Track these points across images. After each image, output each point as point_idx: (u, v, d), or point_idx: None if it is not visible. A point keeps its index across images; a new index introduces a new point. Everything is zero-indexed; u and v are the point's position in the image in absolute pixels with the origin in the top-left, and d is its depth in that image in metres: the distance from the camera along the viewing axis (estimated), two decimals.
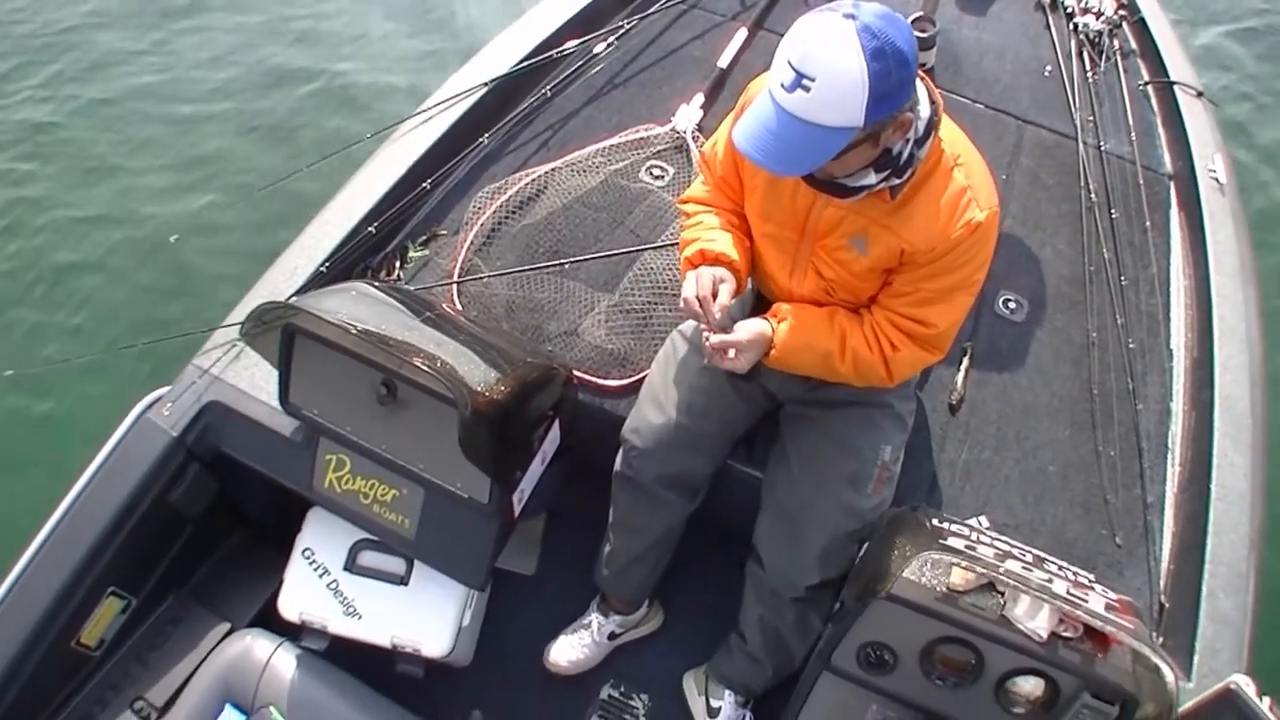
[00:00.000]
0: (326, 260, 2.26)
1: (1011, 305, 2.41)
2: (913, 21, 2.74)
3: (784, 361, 1.74)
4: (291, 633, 1.96)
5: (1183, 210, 2.64)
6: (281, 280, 2.24)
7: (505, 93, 2.69)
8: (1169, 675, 1.50)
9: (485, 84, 2.64)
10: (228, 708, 1.79)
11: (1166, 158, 2.78)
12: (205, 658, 1.90)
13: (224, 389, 2.09)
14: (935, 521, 1.76)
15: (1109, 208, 2.59)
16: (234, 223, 3.70)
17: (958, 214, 1.58)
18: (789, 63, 1.38)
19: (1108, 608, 1.55)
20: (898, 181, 1.56)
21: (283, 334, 1.86)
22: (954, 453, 2.17)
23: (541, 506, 2.26)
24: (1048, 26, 3.07)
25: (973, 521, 1.89)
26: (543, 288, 2.33)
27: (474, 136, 2.56)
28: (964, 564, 1.57)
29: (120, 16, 4.85)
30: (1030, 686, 1.60)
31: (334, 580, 2.04)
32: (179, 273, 3.67)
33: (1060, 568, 1.69)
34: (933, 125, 1.55)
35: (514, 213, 2.47)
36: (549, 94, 2.70)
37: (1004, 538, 1.77)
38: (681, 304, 1.73)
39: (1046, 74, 2.96)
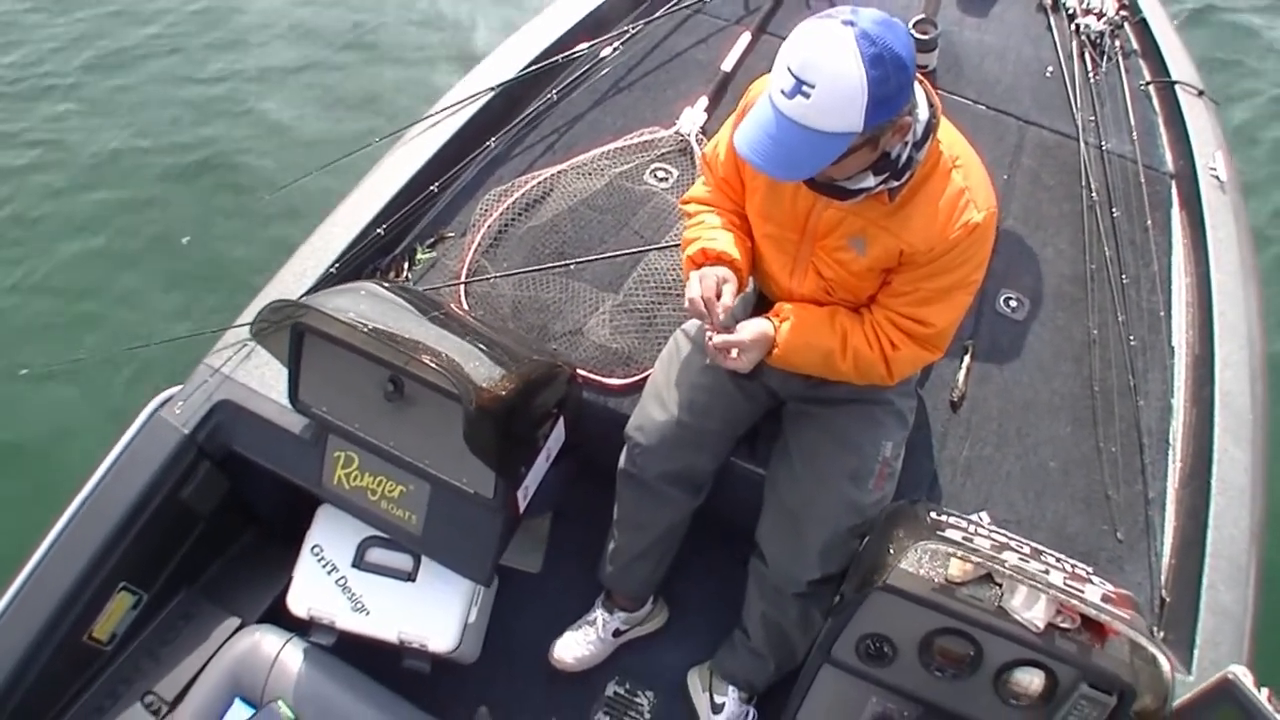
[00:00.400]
0: (336, 262, 2.29)
1: (1013, 304, 2.43)
2: (914, 24, 2.76)
3: (786, 360, 1.76)
4: (300, 628, 1.99)
5: (1184, 209, 2.65)
6: (291, 281, 2.27)
7: (512, 97, 2.72)
8: (1166, 666, 1.51)
9: (492, 88, 2.67)
10: (237, 702, 1.81)
11: (1168, 157, 2.79)
12: (215, 652, 1.92)
13: (234, 388, 2.12)
14: (934, 514, 1.77)
15: (1110, 207, 2.60)
16: (245, 224, 3.74)
17: (956, 215, 1.60)
18: (789, 69, 1.40)
19: (1105, 599, 1.56)
20: (896, 184, 1.58)
21: (292, 332, 1.89)
22: (955, 449, 2.18)
23: (547, 504, 2.28)
24: (1049, 27, 3.09)
25: (974, 517, 1.90)
26: (548, 288, 2.35)
27: (481, 140, 2.60)
28: (961, 555, 1.59)
29: (130, 17, 4.90)
30: (1028, 678, 1.61)
31: (342, 577, 2.06)
32: (190, 274, 3.71)
33: (1058, 559, 1.70)
34: (931, 128, 1.57)
35: (520, 215, 2.50)
36: (555, 98, 2.73)
37: (1002, 530, 1.79)
38: (686, 304, 1.75)
39: (1048, 75, 2.97)
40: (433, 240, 2.47)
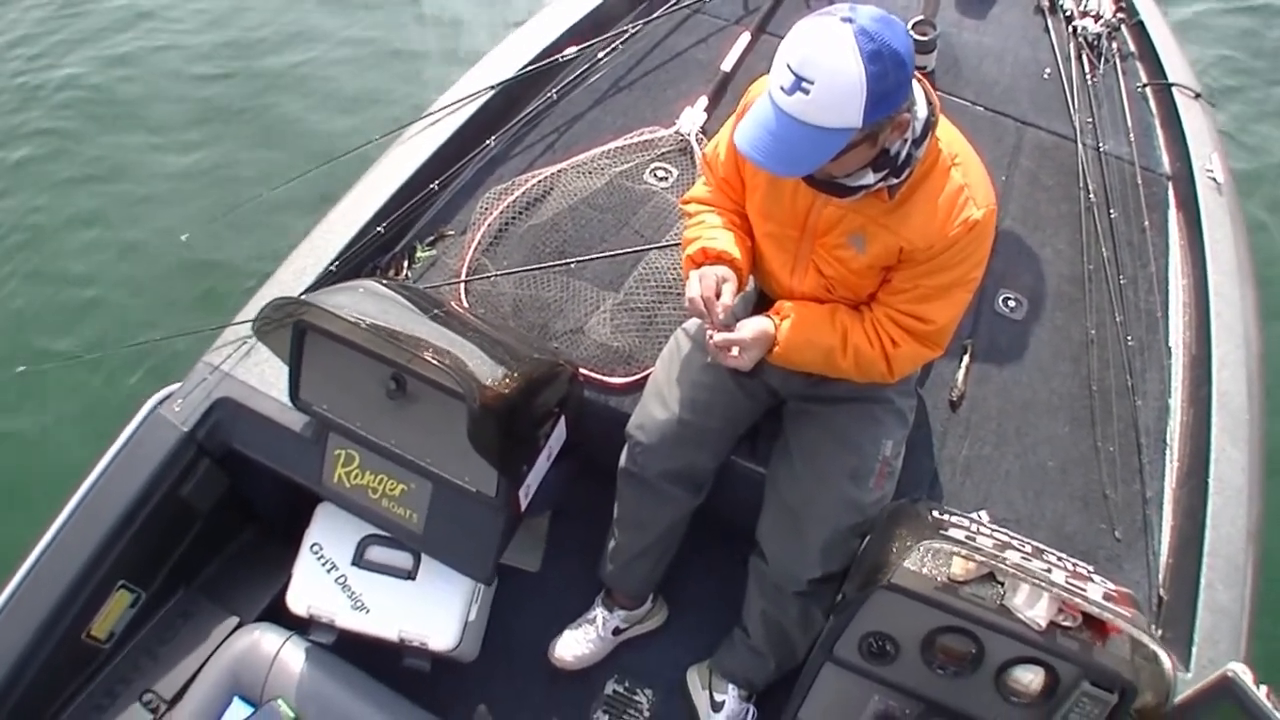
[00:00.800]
0: (336, 260, 2.29)
1: (1011, 304, 2.44)
2: (913, 25, 2.77)
3: (787, 358, 1.77)
4: (300, 627, 1.98)
5: (1181, 210, 2.67)
6: (291, 279, 2.26)
7: (512, 96, 2.72)
8: (1167, 663, 1.52)
9: (492, 87, 2.67)
10: (236, 700, 1.81)
11: (1165, 158, 2.80)
12: (214, 651, 1.92)
13: (234, 385, 2.12)
14: (936, 513, 1.78)
15: (1108, 208, 2.61)
16: (244, 222, 3.72)
17: (955, 212, 1.61)
18: (788, 66, 1.40)
19: (1106, 597, 1.57)
20: (895, 181, 1.59)
21: (294, 329, 1.88)
22: (954, 449, 2.19)
23: (547, 503, 2.28)
24: (1047, 30, 3.10)
25: (974, 516, 1.91)
26: (549, 287, 2.35)
27: (481, 139, 2.60)
28: (964, 554, 1.59)
29: (131, 13, 4.89)
30: (1030, 675, 1.62)
31: (342, 575, 2.06)
32: (189, 271, 3.70)
33: (1059, 558, 1.70)
34: (930, 125, 1.57)
35: (521, 213, 2.50)
36: (555, 97, 2.73)
37: (1004, 529, 1.79)
38: (686, 303, 1.75)
39: (1045, 76, 2.99)
40: (433, 238, 2.47)
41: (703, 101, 2.73)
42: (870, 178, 1.56)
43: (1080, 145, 2.75)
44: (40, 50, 4.70)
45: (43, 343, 3.47)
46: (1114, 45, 3.02)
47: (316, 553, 2.08)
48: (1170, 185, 2.73)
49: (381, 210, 2.39)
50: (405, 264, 2.42)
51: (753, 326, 1.75)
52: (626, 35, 2.87)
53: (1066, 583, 1.57)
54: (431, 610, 2.04)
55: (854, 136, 1.43)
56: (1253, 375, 2.29)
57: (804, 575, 1.91)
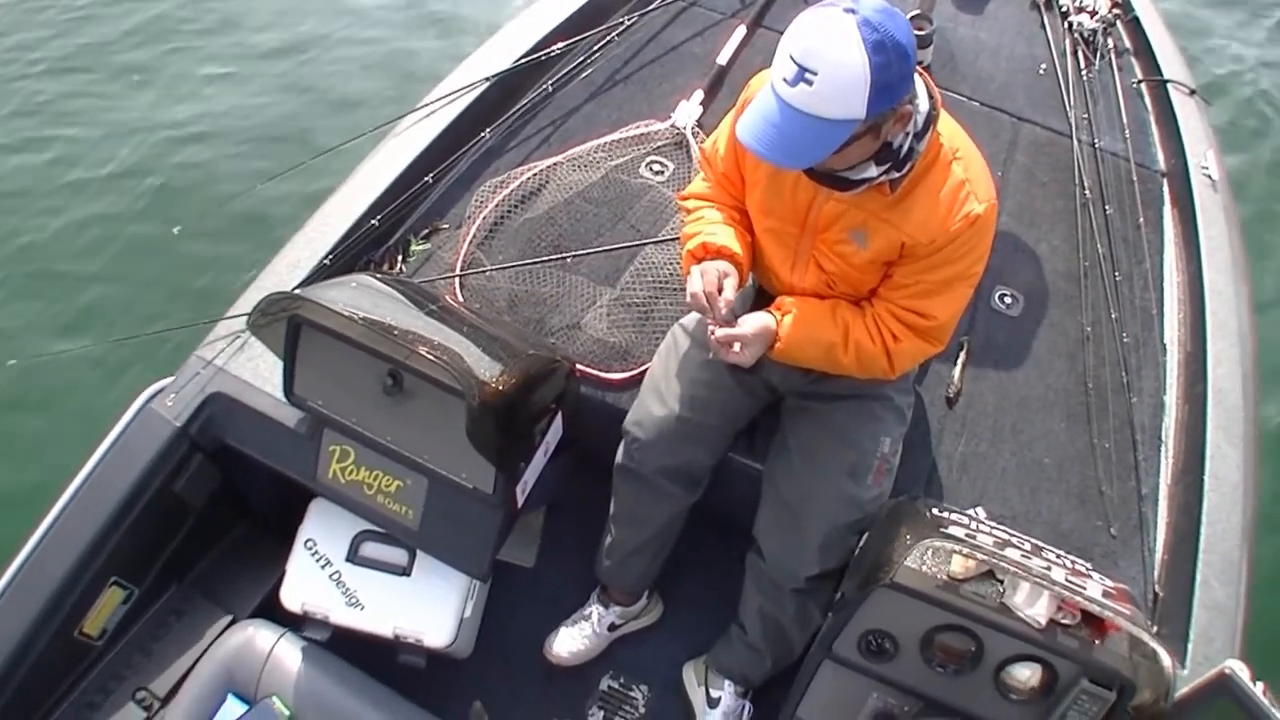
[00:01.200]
0: (329, 253, 2.27)
1: (1007, 300, 2.44)
2: (910, 19, 2.75)
3: (788, 354, 1.76)
4: (294, 623, 1.96)
5: (1176, 206, 2.68)
6: (284, 273, 2.24)
7: (507, 88, 2.70)
8: (1166, 661, 1.52)
9: (487, 79, 2.65)
10: (230, 698, 1.79)
11: (1160, 155, 2.81)
12: (208, 648, 1.90)
13: (227, 380, 2.10)
14: (935, 511, 1.78)
15: (1103, 204, 2.62)
16: (237, 215, 3.71)
17: (957, 207, 1.60)
18: (791, 57, 1.40)
19: (1105, 595, 1.57)
20: (897, 175, 1.58)
21: (288, 325, 1.87)
22: (951, 445, 2.19)
23: (544, 499, 2.27)
24: (1043, 25, 3.11)
25: (971, 513, 1.91)
26: (545, 281, 2.34)
27: (476, 131, 2.58)
28: (964, 552, 1.59)
29: (125, 8, 4.86)
30: (1029, 673, 1.62)
31: (336, 571, 2.05)
32: (182, 265, 3.68)
33: (1058, 556, 1.71)
34: (931, 119, 1.57)
35: (516, 207, 2.48)
36: (550, 89, 2.72)
37: (1002, 527, 1.80)
38: (689, 298, 1.74)
39: (1041, 72, 2.99)
40: (427, 232, 2.45)
41: (698, 95, 2.73)
42: (873, 171, 1.56)
43: (1076, 141, 2.75)
44: (31, 43, 4.66)
45: (34, 337, 3.44)
46: (1109, 41, 3.03)
47: (310, 549, 2.07)
48: (1165, 182, 2.74)
49: (376, 204, 2.37)
50: (400, 258, 2.40)
51: (754, 322, 1.74)
52: (622, 28, 2.86)
53: (1066, 580, 1.57)
54: (427, 607, 2.02)
55: (857, 128, 1.43)
56: (1247, 372, 2.30)
57: (801, 572, 1.90)
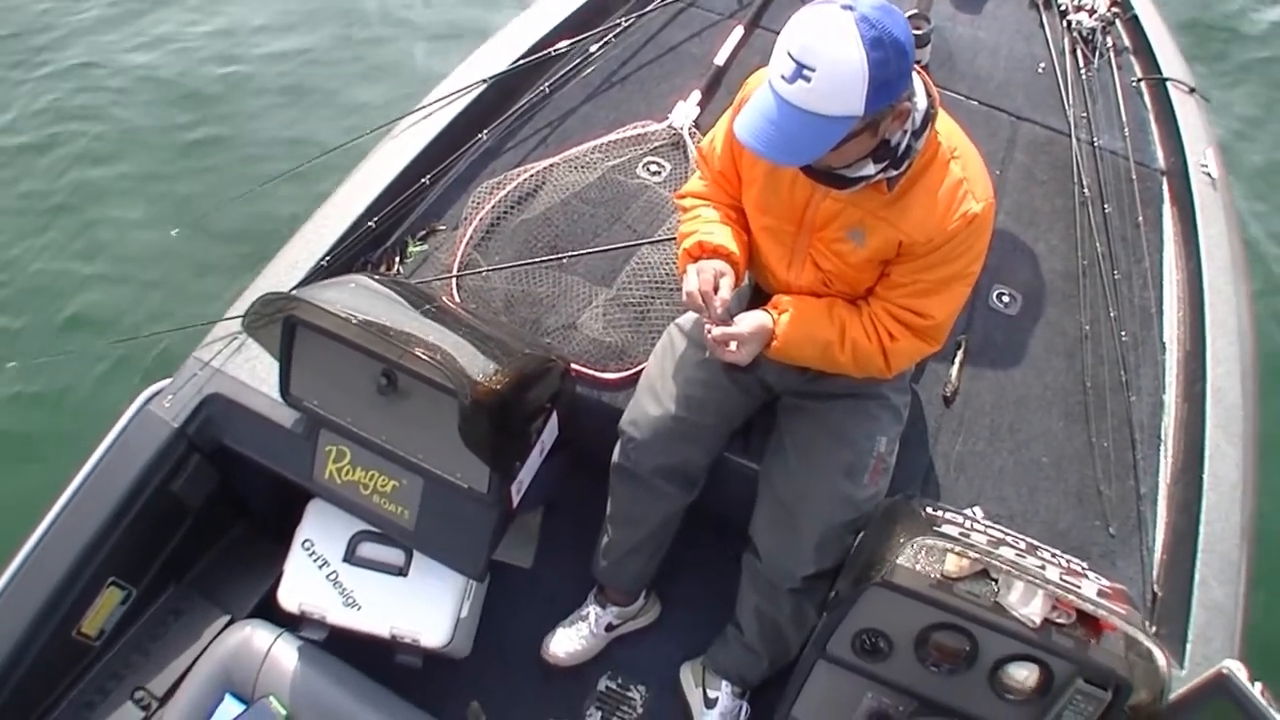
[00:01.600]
0: (327, 254, 2.27)
1: (1005, 299, 2.43)
2: (908, 18, 2.75)
3: (785, 353, 1.76)
4: (291, 623, 1.97)
5: (1175, 205, 2.67)
6: (282, 274, 2.25)
7: (504, 89, 2.71)
8: (1161, 660, 1.52)
9: (484, 80, 2.66)
10: (228, 697, 1.80)
11: (1159, 153, 2.80)
12: (206, 648, 1.91)
13: (225, 381, 2.10)
14: (930, 510, 1.77)
15: (1102, 203, 2.61)
16: (234, 217, 3.71)
17: (954, 206, 1.60)
18: (789, 54, 1.39)
19: (1100, 594, 1.57)
20: (895, 173, 1.58)
21: (284, 325, 1.87)
22: (948, 444, 2.19)
23: (540, 499, 2.28)
24: (1041, 24, 3.10)
25: (968, 512, 1.90)
26: (541, 282, 2.34)
27: (473, 133, 2.58)
28: (958, 550, 1.59)
29: (126, 9, 4.88)
30: (1024, 672, 1.61)
31: (333, 571, 2.05)
32: (180, 266, 3.68)
33: (1053, 555, 1.70)
34: (929, 118, 1.57)
35: (513, 208, 2.48)
36: (547, 91, 2.72)
37: (998, 526, 1.79)
38: (684, 297, 1.74)
39: (1040, 71, 2.98)
40: (424, 233, 2.46)
41: (696, 95, 2.73)
42: (870, 169, 1.56)
43: (1074, 140, 2.74)
44: (33, 44, 4.68)
45: (33, 338, 3.45)
46: (1108, 40, 3.03)
47: (308, 549, 2.07)
48: (1164, 180, 2.73)
49: (373, 205, 2.37)
50: (397, 259, 2.40)
51: (751, 321, 1.74)
52: (619, 29, 2.86)
53: (1061, 579, 1.56)
54: (423, 607, 2.03)
55: (855, 125, 1.42)
56: (1247, 371, 2.29)
57: (798, 571, 1.90)
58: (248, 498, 2.30)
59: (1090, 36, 3.02)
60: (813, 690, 1.79)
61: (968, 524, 1.73)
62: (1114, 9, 3.07)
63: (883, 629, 1.67)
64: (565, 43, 2.78)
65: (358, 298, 1.83)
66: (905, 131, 1.54)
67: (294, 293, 1.82)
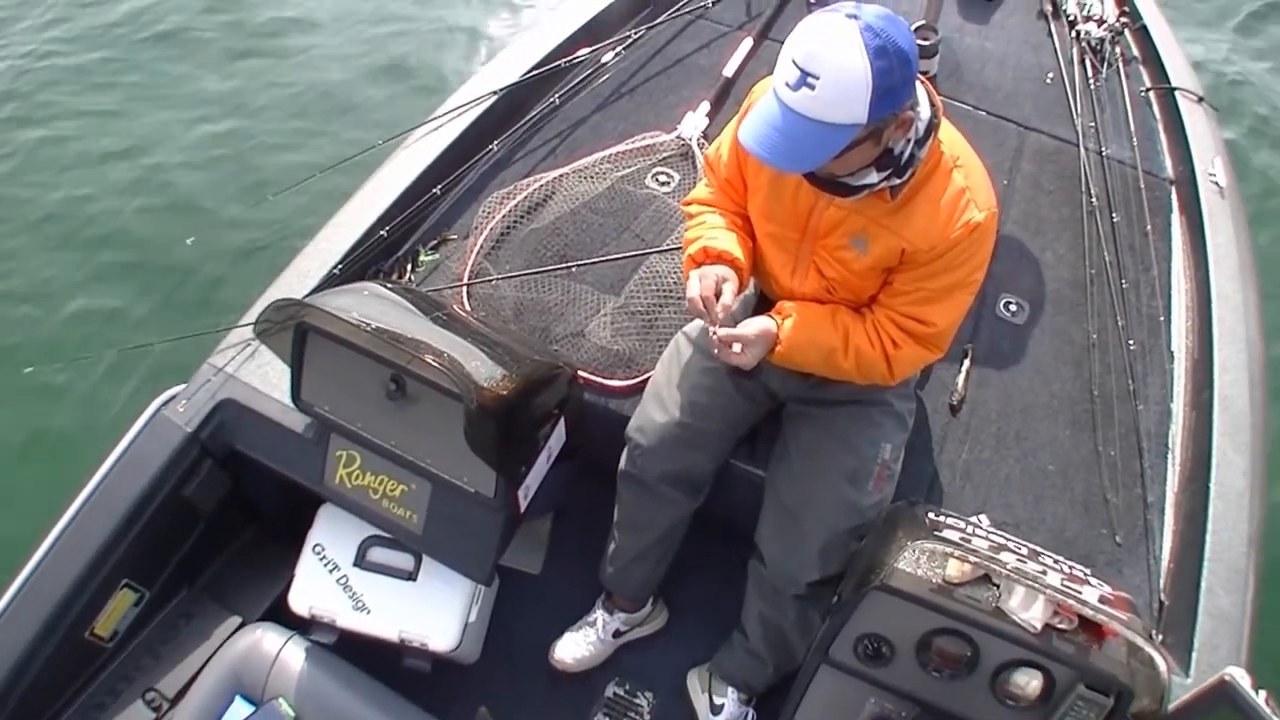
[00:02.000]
0: (339, 263, 2.30)
1: (1013, 308, 2.44)
2: (915, 29, 2.77)
3: (789, 357, 1.76)
4: (301, 627, 2.00)
5: (1183, 214, 2.67)
6: (295, 282, 2.28)
7: (515, 101, 2.73)
8: (1162, 667, 1.51)
9: (495, 92, 2.69)
10: (238, 699, 1.82)
11: (1167, 162, 2.80)
12: (216, 650, 1.93)
13: (238, 387, 2.13)
14: (932, 515, 1.78)
15: (1110, 212, 2.61)
16: (248, 225, 3.75)
17: (957, 214, 1.61)
18: (793, 61, 1.41)
19: (1102, 600, 1.57)
20: (898, 181, 1.59)
21: (295, 331, 1.90)
22: (954, 452, 2.19)
23: (548, 505, 2.29)
24: (1049, 34, 3.10)
25: (973, 519, 1.91)
26: (550, 290, 2.36)
27: (484, 143, 2.61)
28: (959, 555, 1.59)
29: (136, 18, 4.94)
30: (1025, 678, 1.61)
31: (344, 575, 2.07)
32: (194, 274, 3.72)
33: (1055, 561, 1.70)
34: (932, 127, 1.58)
35: (523, 218, 2.51)
36: (557, 102, 2.75)
37: (1000, 532, 1.79)
38: (687, 303, 1.76)
39: (1048, 81, 2.99)
40: (435, 242, 2.49)
41: (705, 107, 2.74)
42: (873, 177, 1.57)
43: (1082, 150, 2.75)
44: (47, 54, 4.75)
45: (47, 345, 3.50)
46: (1117, 49, 3.02)
47: (318, 553, 2.09)
48: (1173, 189, 2.73)
49: (385, 214, 2.40)
50: (408, 267, 2.43)
51: (755, 325, 1.75)
52: (629, 40, 2.89)
53: (1062, 585, 1.56)
54: (432, 611, 2.05)
55: (859, 133, 1.44)
56: (1255, 380, 2.29)
57: (802, 578, 1.91)
58: (259, 502, 2.32)
59: (1098, 46, 3.01)
60: (816, 696, 1.79)
61: (969, 529, 1.73)
62: (1122, 19, 3.07)
63: (884, 634, 1.67)
64: (575, 54, 2.80)
65: (369, 304, 1.86)
66: (908, 140, 1.55)
67: (305, 299, 1.85)
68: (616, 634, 2.28)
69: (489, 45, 4.71)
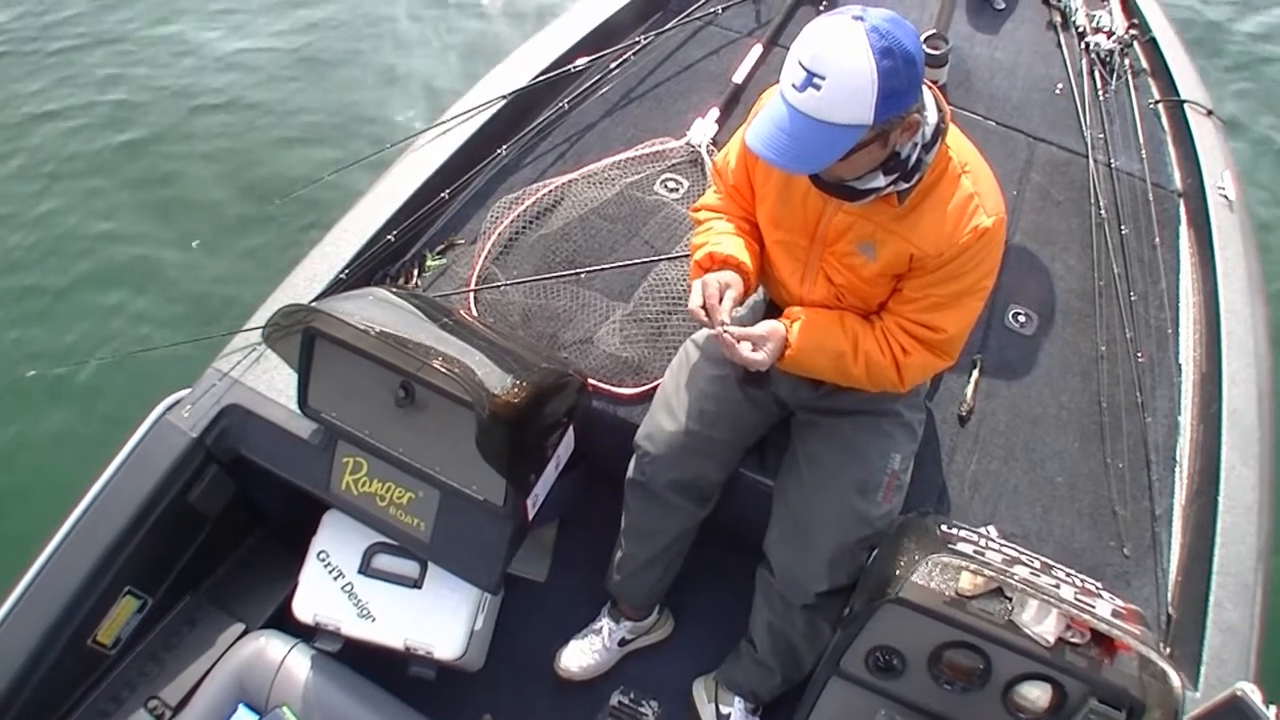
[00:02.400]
0: (346, 267, 2.29)
1: (1021, 319, 2.44)
2: (925, 39, 2.76)
3: (798, 360, 1.74)
4: (306, 634, 1.98)
5: (1192, 227, 2.67)
6: (301, 286, 2.27)
7: (523, 105, 2.73)
8: (1175, 681, 1.51)
9: (504, 96, 2.68)
10: (241, 708, 1.80)
11: (1176, 175, 2.80)
12: (220, 658, 1.92)
13: (243, 392, 2.12)
14: (944, 527, 1.77)
15: (1119, 224, 2.61)
16: (254, 229, 3.75)
17: (965, 219, 1.61)
18: (800, 63, 1.41)
19: (1114, 614, 1.56)
20: (905, 185, 1.59)
21: (303, 336, 1.89)
22: (963, 463, 2.19)
23: (555, 513, 2.28)
24: (1059, 45, 3.11)
25: (982, 531, 1.90)
26: (559, 296, 2.36)
27: (492, 148, 2.60)
28: (973, 568, 1.58)
29: (142, 21, 4.94)
30: (1037, 692, 1.61)
31: (348, 583, 2.06)
32: (199, 277, 3.72)
33: (1068, 574, 1.70)
34: (940, 131, 1.58)
35: (531, 223, 2.50)
36: (566, 107, 2.74)
37: (1012, 544, 1.79)
38: (689, 313, 1.75)
39: (1057, 92, 2.99)
40: (443, 247, 2.48)
41: (714, 113, 2.74)
42: (881, 180, 1.57)
43: (1092, 161, 2.75)
44: (54, 53, 4.74)
45: (53, 347, 3.49)
46: (1126, 61, 3.03)
47: (323, 560, 2.08)
48: (1181, 202, 2.73)
49: (392, 218, 2.39)
50: (415, 272, 2.42)
51: (765, 326, 1.74)
52: (639, 46, 2.89)
53: (1075, 599, 1.56)
54: (437, 619, 2.03)
55: (865, 134, 1.44)
56: (1263, 392, 2.28)
57: (811, 588, 1.90)
58: (264, 508, 2.31)
59: (1108, 58, 3.02)
60: (825, 707, 1.79)
61: (982, 542, 1.73)
62: (1132, 31, 3.07)
63: (896, 646, 1.67)
64: (585, 59, 2.80)
65: (376, 310, 1.85)
66: (915, 144, 1.55)
67: (314, 304, 1.84)
68: (622, 642, 2.27)
69: (496, 54, 4.71)
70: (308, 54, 4.83)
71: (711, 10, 3.01)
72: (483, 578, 1.98)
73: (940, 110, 1.58)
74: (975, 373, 2.31)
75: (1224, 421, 2.20)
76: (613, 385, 2.21)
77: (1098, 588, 1.69)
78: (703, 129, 2.70)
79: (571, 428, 2.01)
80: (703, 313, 1.70)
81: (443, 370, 1.67)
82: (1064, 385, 2.33)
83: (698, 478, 2.01)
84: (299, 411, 1.98)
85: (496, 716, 2.18)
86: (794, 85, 1.42)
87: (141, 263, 3.79)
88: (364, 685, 1.83)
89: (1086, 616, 1.52)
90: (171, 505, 2.04)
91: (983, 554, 1.65)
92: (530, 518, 1.95)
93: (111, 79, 4.61)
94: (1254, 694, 1.47)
